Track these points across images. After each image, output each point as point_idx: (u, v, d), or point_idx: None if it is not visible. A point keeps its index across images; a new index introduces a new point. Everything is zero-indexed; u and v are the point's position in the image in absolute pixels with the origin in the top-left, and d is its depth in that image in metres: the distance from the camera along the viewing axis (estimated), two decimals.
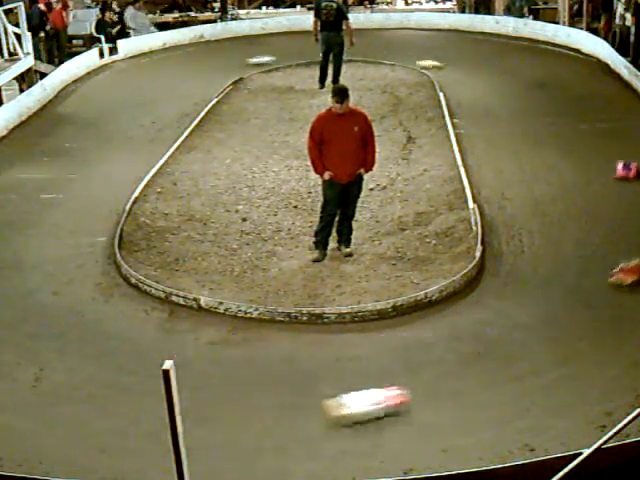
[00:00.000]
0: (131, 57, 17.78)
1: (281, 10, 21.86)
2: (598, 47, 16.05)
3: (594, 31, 17.45)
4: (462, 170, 10.08)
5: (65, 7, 18.01)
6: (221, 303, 7.23)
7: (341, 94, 7.95)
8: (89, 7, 20.33)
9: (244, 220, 9.16)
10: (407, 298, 7.20)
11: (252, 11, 21.80)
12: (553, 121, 12.23)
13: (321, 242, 8.21)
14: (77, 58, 16.47)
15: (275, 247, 8.48)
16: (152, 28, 19.43)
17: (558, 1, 19.28)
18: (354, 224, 8.45)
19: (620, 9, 16.48)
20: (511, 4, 19.04)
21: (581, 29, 17.79)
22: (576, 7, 18.80)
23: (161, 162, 10.92)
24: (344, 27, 14.17)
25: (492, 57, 16.57)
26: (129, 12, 18.77)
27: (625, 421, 3.67)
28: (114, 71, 16.96)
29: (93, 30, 18.27)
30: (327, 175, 8.04)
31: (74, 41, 18.77)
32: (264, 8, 22.00)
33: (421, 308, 7.19)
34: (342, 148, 7.93)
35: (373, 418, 5.54)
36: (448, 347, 6.61)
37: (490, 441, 5.28)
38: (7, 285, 7.88)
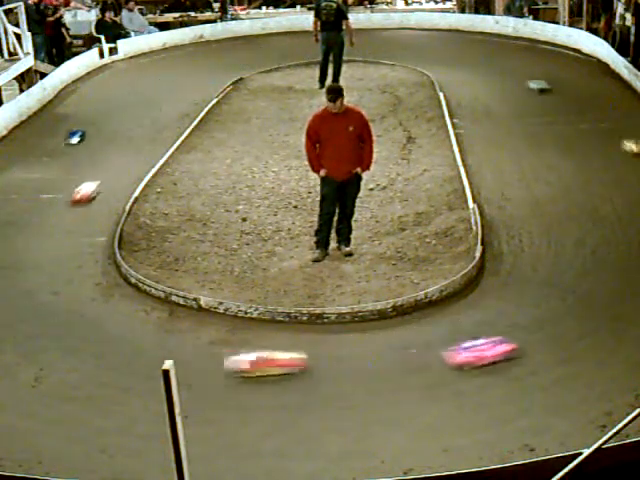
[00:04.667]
0: (131, 57, 17.76)
1: (281, 10, 21.83)
2: (598, 47, 16.04)
3: (594, 31, 17.43)
4: (462, 170, 10.06)
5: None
6: (221, 303, 7.23)
7: (335, 93, 7.95)
8: (89, 7, 20.31)
9: (244, 220, 9.16)
10: (407, 298, 7.19)
11: (252, 11, 21.78)
12: (553, 121, 12.22)
13: (321, 242, 8.21)
14: (77, 58, 16.46)
15: (275, 247, 8.48)
16: (151, 27, 19.39)
17: (558, 1, 19.27)
18: (354, 224, 8.45)
19: (620, 9, 16.46)
20: (511, 4, 18.99)
21: (581, 29, 17.78)
22: (575, 8, 18.78)
23: (161, 162, 10.91)
24: (344, 27, 14.20)
25: (492, 57, 16.53)
26: (124, 15, 18.76)
27: (625, 421, 3.67)
28: (114, 71, 16.94)
29: (93, 30, 18.25)
30: (323, 172, 8.06)
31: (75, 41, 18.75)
32: (264, 8, 21.98)
33: (421, 308, 7.18)
34: (337, 147, 7.94)
35: None
36: (448, 347, 6.60)
37: (490, 441, 5.27)
38: (7, 285, 7.87)
